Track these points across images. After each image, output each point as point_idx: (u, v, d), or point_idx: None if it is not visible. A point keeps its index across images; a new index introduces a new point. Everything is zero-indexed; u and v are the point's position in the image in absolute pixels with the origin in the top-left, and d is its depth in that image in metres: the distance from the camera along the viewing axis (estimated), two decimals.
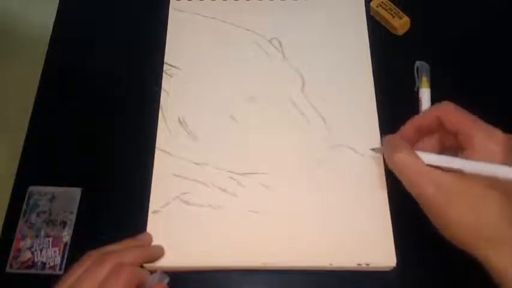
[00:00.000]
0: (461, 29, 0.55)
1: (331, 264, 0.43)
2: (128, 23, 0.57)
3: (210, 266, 0.43)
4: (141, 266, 0.41)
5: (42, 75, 0.54)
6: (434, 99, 0.50)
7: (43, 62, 0.55)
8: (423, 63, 0.52)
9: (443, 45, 0.54)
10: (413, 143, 0.40)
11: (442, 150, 0.39)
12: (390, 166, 0.38)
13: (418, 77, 0.52)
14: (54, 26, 0.57)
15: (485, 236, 0.34)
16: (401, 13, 0.55)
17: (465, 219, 0.34)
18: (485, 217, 0.34)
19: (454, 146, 0.37)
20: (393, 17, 0.55)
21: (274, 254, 0.43)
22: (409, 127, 0.39)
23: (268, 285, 0.44)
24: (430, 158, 0.36)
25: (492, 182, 0.33)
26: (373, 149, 0.46)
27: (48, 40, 0.56)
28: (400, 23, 0.54)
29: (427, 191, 0.35)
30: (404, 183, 0.37)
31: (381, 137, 0.48)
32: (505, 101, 0.52)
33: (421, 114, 0.39)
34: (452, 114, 0.37)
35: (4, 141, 0.60)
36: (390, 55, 0.53)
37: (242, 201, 0.46)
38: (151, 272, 0.40)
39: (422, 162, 0.35)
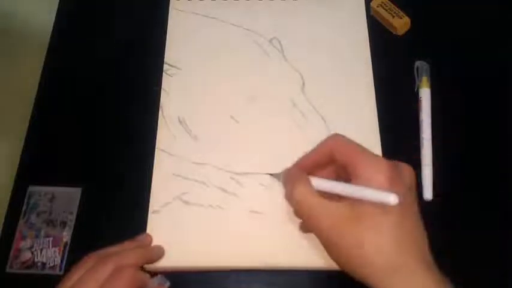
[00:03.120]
0: (462, 29, 0.55)
1: (331, 265, 0.43)
2: (127, 22, 0.57)
3: (210, 266, 0.43)
4: (142, 267, 0.41)
5: (42, 75, 0.54)
6: (434, 99, 0.50)
7: (43, 62, 0.55)
8: (423, 63, 0.52)
9: (443, 45, 0.54)
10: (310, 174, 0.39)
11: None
12: (289, 202, 0.37)
13: (418, 77, 0.52)
14: (54, 26, 0.57)
15: (378, 266, 0.33)
16: (401, 13, 0.55)
17: (355, 250, 0.33)
18: (375, 246, 0.33)
19: (346, 177, 0.36)
20: (393, 17, 0.55)
21: (274, 254, 0.43)
22: (306, 162, 0.39)
23: (268, 285, 0.44)
24: (318, 182, 0.35)
25: (385, 209, 0.33)
26: (271, 175, 0.45)
27: (48, 40, 0.56)
28: (400, 23, 0.54)
29: (321, 224, 0.34)
30: (302, 218, 0.36)
31: (381, 137, 0.48)
32: (505, 101, 0.52)
33: (313, 149, 0.38)
34: (341, 146, 0.36)
35: (4, 141, 0.60)
36: (390, 55, 0.53)
37: (242, 201, 0.46)
38: (152, 275, 0.40)
39: (317, 194, 0.35)
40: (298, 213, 0.37)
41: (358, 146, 0.36)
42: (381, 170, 0.34)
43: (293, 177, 0.37)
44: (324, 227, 0.34)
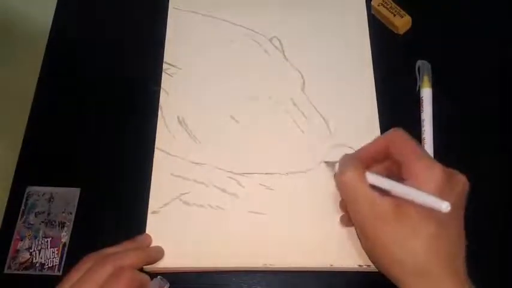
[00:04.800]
0: (463, 28, 0.55)
1: (331, 265, 0.43)
2: (127, 21, 0.57)
3: (210, 267, 0.43)
4: (141, 269, 0.41)
5: (40, 74, 0.54)
6: (436, 99, 0.50)
7: (41, 61, 0.55)
8: (425, 62, 0.52)
9: (445, 44, 0.54)
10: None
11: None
12: (339, 185, 0.38)
13: (419, 76, 0.52)
14: (52, 25, 0.57)
15: (408, 269, 0.34)
16: (402, 12, 0.54)
17: (390, 248, 0.34)
18: (411, 249, 0.34)
19: (397, 173, 0.37)
20: (394, 15, 0.54)
21: (274, 254, 0.43)
22: (363, 153, 0.39)
23: (268, 286, 0.44)
24: (372, 177, 0.36)
25: (429, 216, 0.33)
26: (326, 162, 0.46)
27: (47, 39, 0.56)
28: (402, 22, 0.54)
29: (365, 213, 0.35)
30: (347, 201, 0.37)
31: None
32: (505, 101, 0.51)
33: (371, 142, 0.39)
34: (399, 142, 0.37)
35: (2, 141, 0.59)
36: (391, 54, 0.53)
37: (242, 202, 0.45)
38: (151, 276, 0.40)
39: (367, 182, 0.36)
40: (345, 195, 0.37)
41: (417, 145, 0.36)
42: (435, 176, 0.34)
43: (347, 162, 0.37)
44: (366, 217, 0.35)
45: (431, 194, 0.33)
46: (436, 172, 0.34)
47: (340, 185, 0.38)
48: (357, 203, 0.36)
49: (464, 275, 0.34)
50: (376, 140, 0.39)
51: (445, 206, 0.32)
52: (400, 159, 0.36)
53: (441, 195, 0.33)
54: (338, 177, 0.37)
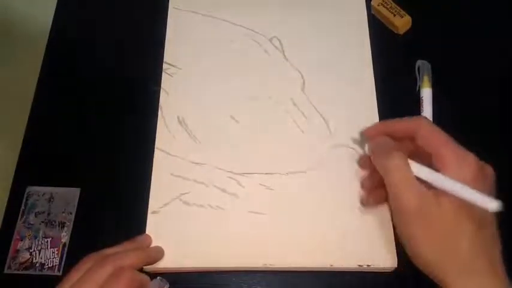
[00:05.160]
0: (463, 28, 0.55)
1: (331, 265, 0.43)
2: (127, 21, 0.57)
3: (210, 267, 0.43)
4: (141, 269, 0.41)
5: (40, 74, 0.54)
6: (436, 99, 0.50)
7: (41, 61, 0.55)
8: (424, 62, 0.52)
9: (445, 44, 0.54)
10: None
11: None
12: (380, 169, 0.38)
13: (419, 76, 0.52)
14: (52, 25, 0.57)
15: (450, 266, 0.34)
16: (402, 12, 0.54)
17: (432, 244, 0.34)
18: (454, 246, 0.34)
19: (425, 161, 0.37)
20: (394, 15, 0.54)
21: (274, 254, 0.43)
22: (388, 127, 0.39)
23: (268, 286, 0.44)
24: (419, 170, 0.35)
25: (470, 211, 0.33)
26: (361, 134, 0.43)
27: (47, 39, 0.56)
28: (402, 22, 0.54)
29: (408, 201, 0.35)
30: (390, 189, 0.37)
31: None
32: (505, 101, 0.51)
33: (398, 120, 0.39)
34: (427, 132, 0.37)
35: (2, 141, 0.59)
36: (391, 54, 0.53)
37: (242, 202, 0.45)
38: (151, 277, 0.40)
39: (413, 173, 0.35)
40: (389, 180, 0.36)
41: (445, 135, 0.36)
42: (470, 166, 0.34)
43: (388, 145, 0.37)
44: (410, 205, 0.34)
45: (478, 192, 0.32)
46: (470, 163, 0.34)
47: (388, 175, 0.36)
48: (402, 191, 0.35)
49: (503, 273, 0.34)
50: (403, 121, 0.38)
51: (495, 205, 0.31)
52: (429, 148, 0.36)
53: (476, 186, 0.33)
54: (384, 167, 0.36)
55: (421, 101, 0.50)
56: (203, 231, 0.44)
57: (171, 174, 0.46)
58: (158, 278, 0.41)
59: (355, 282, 0.43)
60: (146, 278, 0.38)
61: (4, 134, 0.59)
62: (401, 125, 0.39)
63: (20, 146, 0.50)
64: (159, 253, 0.42)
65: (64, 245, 0.45)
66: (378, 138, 0.40)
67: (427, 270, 0.35)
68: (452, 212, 0.34)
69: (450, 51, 0.54)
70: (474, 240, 0.33)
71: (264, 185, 0.46)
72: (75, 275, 0.36)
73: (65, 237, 0.45)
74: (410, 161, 0.36)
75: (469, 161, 0.34)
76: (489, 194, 0.34)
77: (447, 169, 0.34)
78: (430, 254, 0.34)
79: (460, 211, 0.33)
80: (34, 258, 0.44)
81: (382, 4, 0.55)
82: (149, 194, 0.46)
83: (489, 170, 0.36)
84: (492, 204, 0.31)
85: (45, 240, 0.45)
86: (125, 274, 0.36)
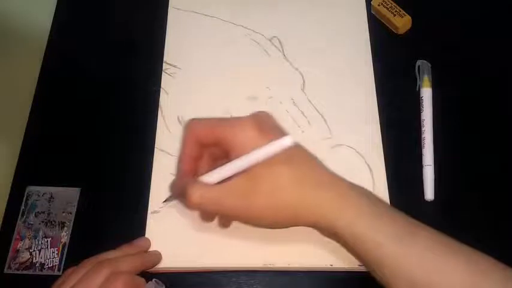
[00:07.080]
0: (463, 28, 0.55)
1: (331, 265, 0.43)
2: (127, 21, 0.57)
3: (210, 267, 0.43)
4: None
5: (40, 74, 0.54)
6: (436, 99, 0.50)
7: (41, 61, 0.55)
8: (424, 62, 0.52)
9: (445, 44, 0.54)
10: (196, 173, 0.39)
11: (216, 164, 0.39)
12: (195, 209, 0.38)
13: (419, 76, 0.52)
14: (52, 25, 0.57)
15: (307, 202, 0.35)
16: (402, 12, 0.54)
17: (268, 211, 0.35)
18: (281, 198, 0.34)
19: (222, 156, 0.37)
20: (394, 15, 0.54)
21: (274, 254, 0.43)
22: (183, 165, 0.39)
23: (268, 286, 0.44)
24: (211, 176, 0.36)
25: (276, 162, 0.34)
26: (165, 201, 0.44)
27: (47, 39, 0.56)
28: (402, 22, 0.54)
29: (236, 205, 0.35)
30: (217, 213, 0.38)
31: (382, 137, 0.48)
32: (505, 101, 0.51)
33: (181, 149, 0.39)
34: (202, 129, 0.37)
35: (2, 140, 0.59)
36: (391, 54, 0.53)
37: None
38: (147, 279, 0.40)
39: (213, 185, 0.35)
40: (211, 210, 0.37)
41: (216, 119, 0.37)
42: (248, 125, 0.35)
43: (182, 188, 0.36)
44: (239, 207, 0.35)
45: (266, 146, 0.33)
46: (246, 123, 0.35)
47: (199, 209, 0.38)
48: (224, 206, 0.35)
49: (334, 178, 0.36)
50: (183, 144, 0.38)
51: (289, 140, 0.32)
52: (212, 140, 0.36)
53: (265, 136, 0.34)
54: (191, 205, 0.36)
55: (421, 101, 0.50)
56: (203, 231, 0.44)
57: (171, 174, 0.46)
58: (153, 280, 0.41)
59: (355, 282, 0.43)
60: (142, 281, 0.38)
61: (4, 133, 0.59)
62: (187, 144, 0.38)
63: (20, 146, 0.50)
64: (156, 258, 0.42)
65: (64, 245, 0.45)
66: (170, 185, 0.42)
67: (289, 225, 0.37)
68: (268, 174, 0.34)
69: (450, 51, 0.54)
70: (291, 178, 0.34)
71: None
72: (70, 280, 0.37)
73: (65, 237, 0.45)
74: (200, 178, 0.36)
75: (244, 122, 0.35)
76: (279, 131, 0.35)
77: (236, 145, 0.35)
78: (273, 217, 0.36)
79: (267, 168, 0.34)
80: (34, 258, 0.44)
81: (382, 4, 0.55)
82: (149, 194, 0.46)
83: (263, 114, 0.37)
84: (286, 141, 0.32)
85: (45, 240, 0.45)
86: (120, 278, 0.36)
